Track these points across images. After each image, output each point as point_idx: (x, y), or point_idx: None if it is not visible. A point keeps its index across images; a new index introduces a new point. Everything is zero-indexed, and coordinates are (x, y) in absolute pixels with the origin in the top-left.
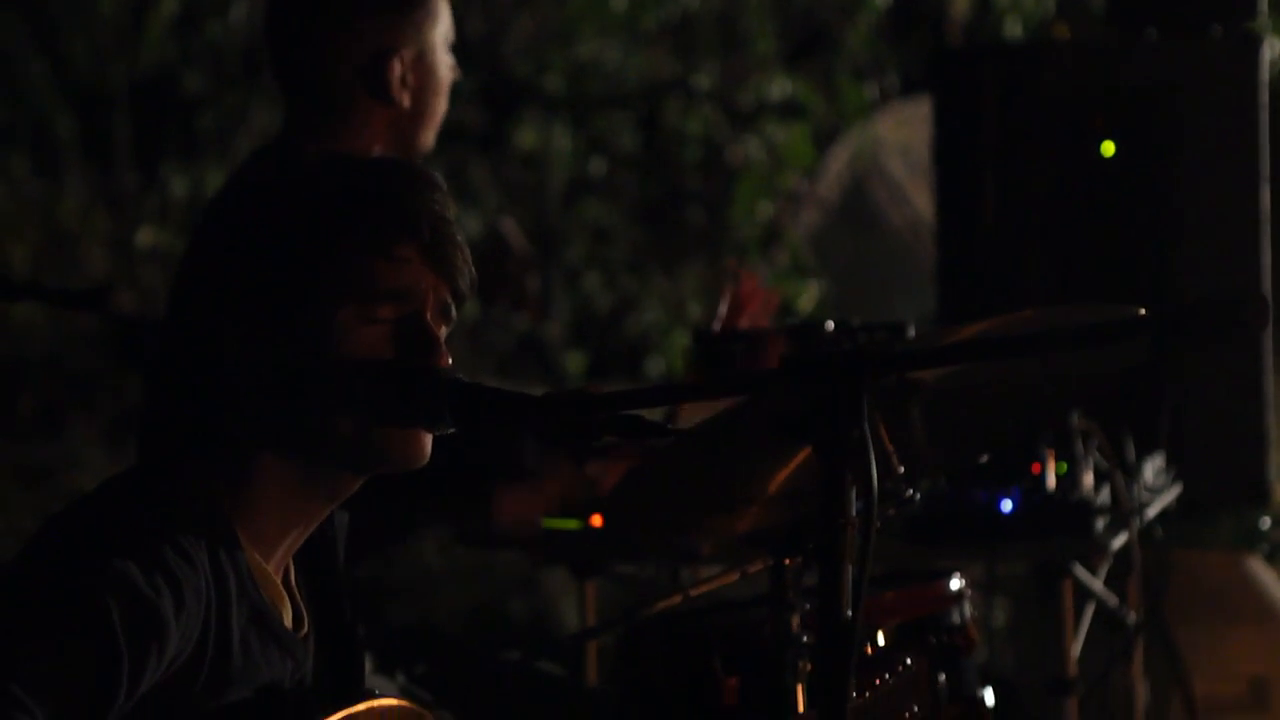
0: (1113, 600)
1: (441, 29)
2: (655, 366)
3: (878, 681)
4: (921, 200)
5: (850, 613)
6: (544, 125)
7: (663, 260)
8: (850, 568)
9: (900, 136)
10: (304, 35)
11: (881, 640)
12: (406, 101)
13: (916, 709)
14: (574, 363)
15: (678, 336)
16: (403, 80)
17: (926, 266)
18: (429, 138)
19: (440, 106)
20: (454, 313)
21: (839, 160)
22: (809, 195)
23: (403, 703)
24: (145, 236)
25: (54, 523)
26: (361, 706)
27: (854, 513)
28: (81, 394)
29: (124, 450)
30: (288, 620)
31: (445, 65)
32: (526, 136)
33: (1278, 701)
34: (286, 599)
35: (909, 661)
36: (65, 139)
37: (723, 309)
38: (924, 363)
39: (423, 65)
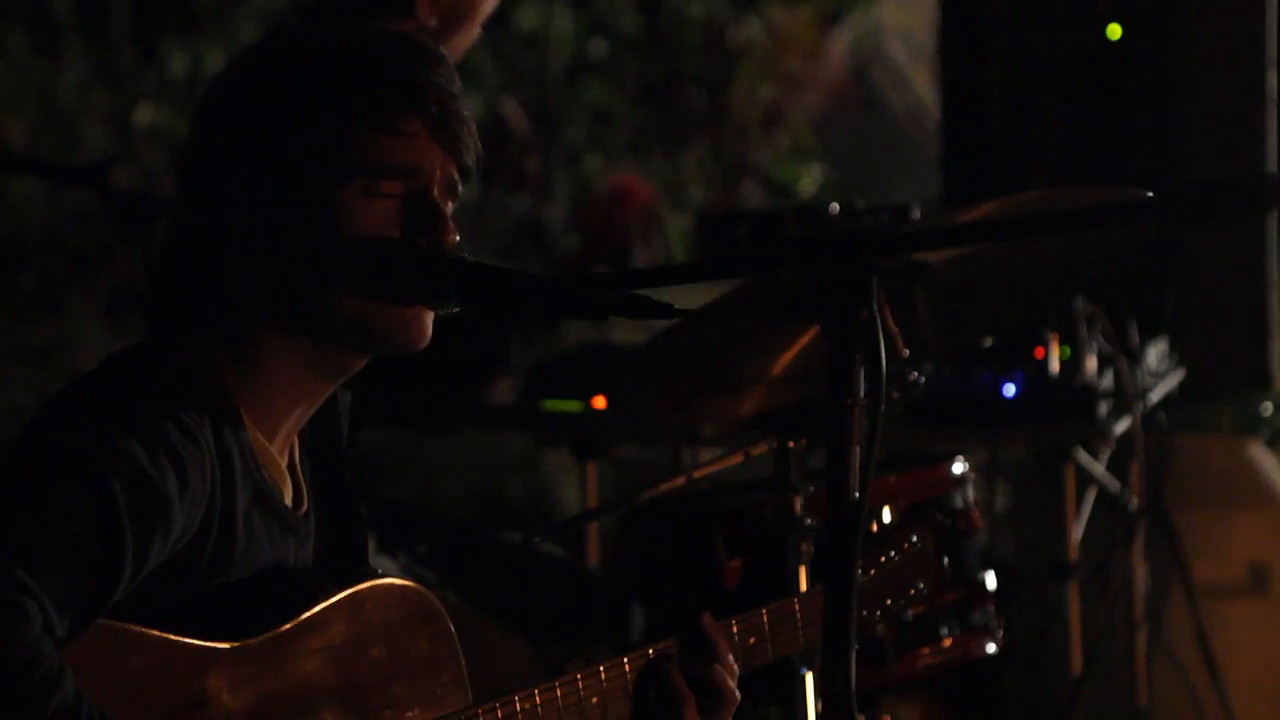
0: (1114, 485)
1: None
2: (658, 251)
3: (883, 559)
4: (922, 85)
5: (858, 494)
6: (545, 5)
7: (663, 143)
8: (858, 449)
9: (901, 20)
10: None
11: (888, 517)
12: (434, 23)
13: (922, 586)
14: (575, 245)
15: (678, 220)
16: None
17: (927, 151)
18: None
19: (468, 37)
20: (460, 189)
21: (840, 43)
22: (810, 78)
23: (406, 582)
24: (144, 114)
25: (57, 401)
26: (364, 586)
27: (860, 394)
28: (81, 271)
29: (124, 327)
30: (288, 499)
31: None
32: (527, 16)
33: (1277, 586)
34: (288, 478)
35: (915, 539)
36: (63, 15)
37: None
38: (932, 243)
39: None
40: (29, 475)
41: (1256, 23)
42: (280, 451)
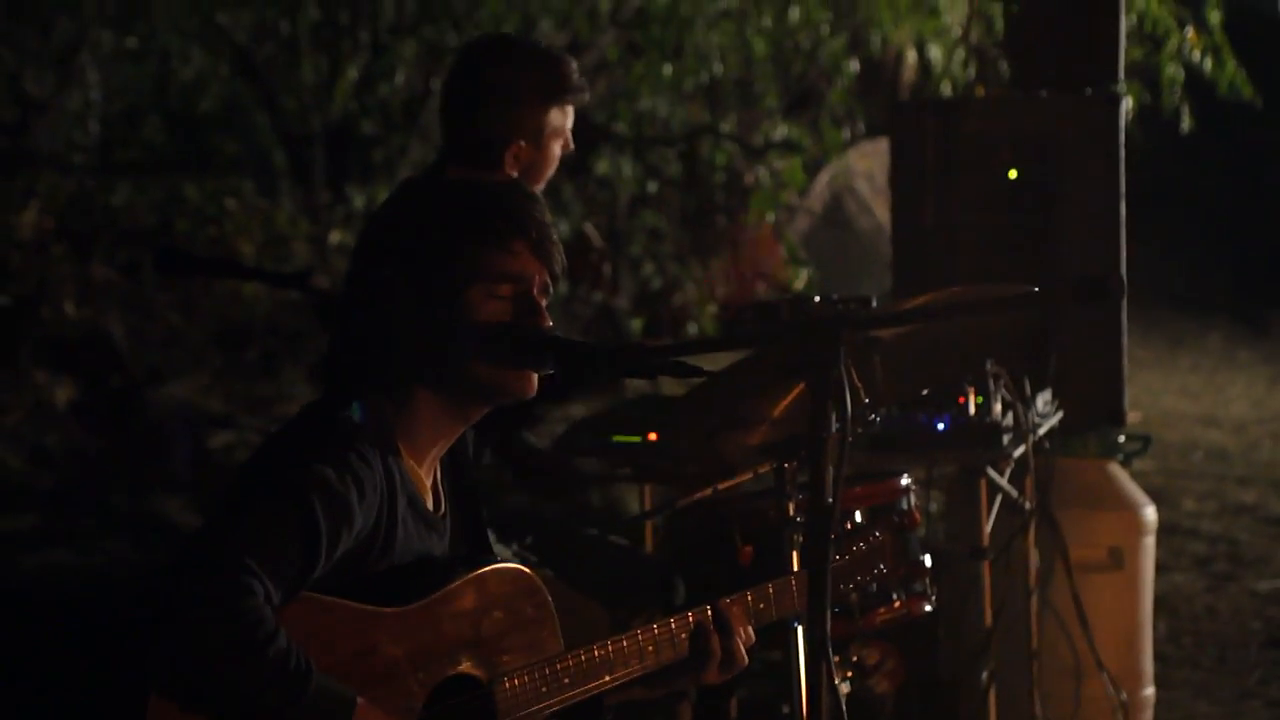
0: (1014, 492)
1: (560, 127)
2: (693, 329)
3: (854, 549)
4: (881, 211)
5: (830, 500)
6: (614, 157)
7: (698, 254)
8: (830, 468)
9: (866, 165)
10: (468, 111)
11: (859, 518)
12: (515, 172)
13: (883, 566)
14: (635, 327)
15: (708, 308)
16: (515, 158)
17: (885, 259)
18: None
19: (539, 181)
20: (551, 290)
21: (822, 182)
22: (801, 207)
23: (517, 566)
24: (335, 236)
25: (272, 439)
26: (487, 569)
27: (833, 429)
28: (292, 347)
29: (321, 388)
30: (429, 506)
31: (554, 154)
32: (602, 165)
33: (1130, 563)
34: (430, 491)
35: (877, 534)
36: (279, 168)
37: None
38: (883, 324)
39: (535, 151)
40: (255, 493)
41: (1113, 169)
42: (426, 473)
